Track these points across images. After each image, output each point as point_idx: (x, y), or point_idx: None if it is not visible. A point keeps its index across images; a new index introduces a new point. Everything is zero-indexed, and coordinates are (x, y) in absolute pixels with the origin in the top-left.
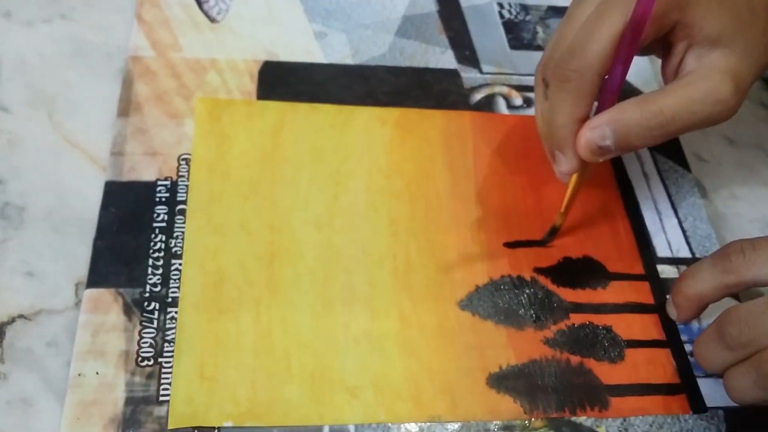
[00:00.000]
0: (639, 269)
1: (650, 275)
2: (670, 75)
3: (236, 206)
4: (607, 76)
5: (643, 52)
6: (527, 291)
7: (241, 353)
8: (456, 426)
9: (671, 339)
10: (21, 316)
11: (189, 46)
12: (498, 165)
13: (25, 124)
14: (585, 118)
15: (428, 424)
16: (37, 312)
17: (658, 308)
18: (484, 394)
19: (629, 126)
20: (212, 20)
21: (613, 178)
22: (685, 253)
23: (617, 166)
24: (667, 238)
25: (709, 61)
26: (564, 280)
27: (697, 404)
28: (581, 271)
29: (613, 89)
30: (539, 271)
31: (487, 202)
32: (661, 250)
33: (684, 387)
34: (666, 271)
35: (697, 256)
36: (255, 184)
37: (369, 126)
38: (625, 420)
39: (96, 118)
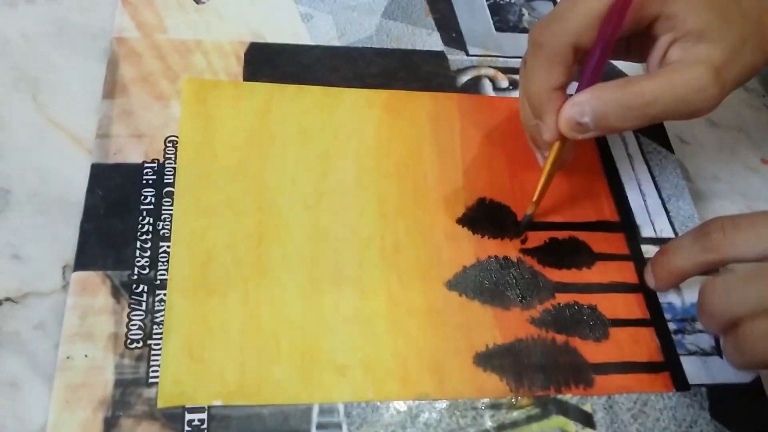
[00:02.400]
0: (624, 249)
1: (634, 255)
2: (653, 67)
3: (224, 187)
4: (590, 55)
5: (628, 54)
6: (514, 271)
7: (229, 333)
8: (443, 404)
9: (655, 318)
10: (8, 299)
11: (174, 27)
12: (485, 147)
13: (8, 106)
14: (561, 88)
15: (416, 402)
16: (24, 295)
17: (642, 288)
18: (471, 373)
19: (609, 105)
20: (198, 1)
21: (598, 160)
22: (668, 233)
23: (602, 147)
24: (650, 218)
25: (693, 53)
26: (550, 260)
27: (680, 382)
28: (567, 252)
29: (592, 65)
30: (526, 251)
31: (475, 184)
32: (645, 231)
33: (667, 365)
34: (650, 251)
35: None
36: (243, 165)
37: (357, 108)
38: (609, 397)
39: (80, 99)
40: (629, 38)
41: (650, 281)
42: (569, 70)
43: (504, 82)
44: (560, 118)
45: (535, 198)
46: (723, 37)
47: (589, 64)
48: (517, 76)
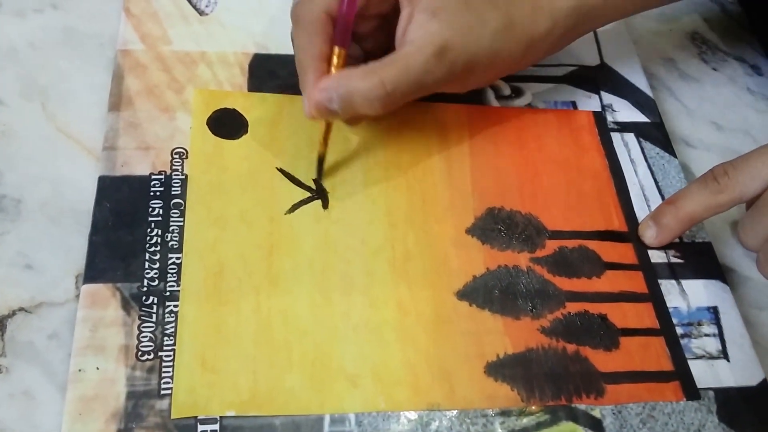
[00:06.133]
0: (632, 259)
1: (643, 265)
2: (398, 40)
3: (235, 198)
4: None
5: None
6: (523, 280)
7: (241, 343)
8: (454, 412)
9: (664, 327)
10: (22, 309)
11: (178, 39)
12: (494, 157)
13: (19, 116)
14: (325, 57)
15: (427, 411)
16: (37, 305)
17: (651, 297)
18: (482, 382)
19: (353, 95)
20: (201, 13)
21: (606, 168)
22: None
23: (610, 154)
24: None
25: (425, 32)
26: (560, 269)
27: (690, 391)
28: (576, 261)
29: (339, 31)
30: (535, 260)
31: (483, 194)
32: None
33: (678, 374)
34: (654, 255)
35: (684, 240)
36: (253, 176)
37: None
38: None
39: (90, 108)
40: (387, 16)
41: (650, 234)
42: (329, 37)
43: (506, 90)
44: (310, 101)
45: (320, 138)
46: (458, 19)
47: (337, 29)
48: (519, 84)
